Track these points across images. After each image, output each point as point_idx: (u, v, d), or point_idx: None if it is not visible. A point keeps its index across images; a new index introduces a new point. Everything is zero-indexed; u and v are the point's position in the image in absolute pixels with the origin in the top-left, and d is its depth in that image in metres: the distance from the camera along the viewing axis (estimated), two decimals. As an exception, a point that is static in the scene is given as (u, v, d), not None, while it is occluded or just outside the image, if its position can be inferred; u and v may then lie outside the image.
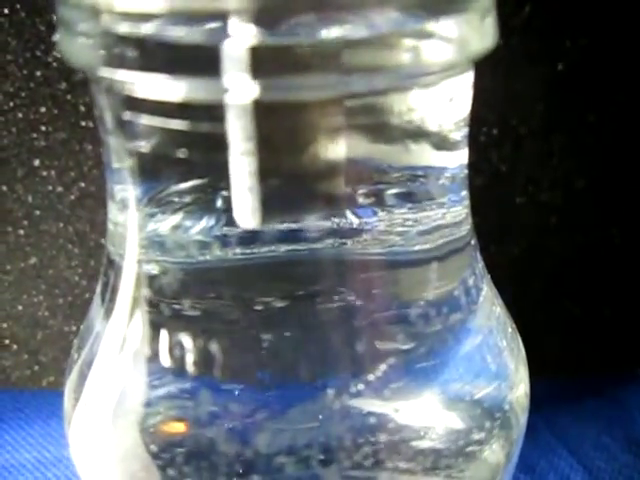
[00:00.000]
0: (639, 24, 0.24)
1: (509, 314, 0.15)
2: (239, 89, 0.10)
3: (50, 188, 0.27)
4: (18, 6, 0.24)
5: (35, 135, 0.26)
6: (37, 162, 0.26)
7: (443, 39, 0.10)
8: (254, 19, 0.09)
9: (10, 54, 0.24)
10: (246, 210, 0.11)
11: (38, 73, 0.25)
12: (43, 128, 0.26)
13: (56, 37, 0.11)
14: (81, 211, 0.27)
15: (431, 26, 0.10)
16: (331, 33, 0.10)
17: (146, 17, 0.09)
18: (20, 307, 0.29)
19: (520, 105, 0.26)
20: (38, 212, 0.27)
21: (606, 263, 0.28)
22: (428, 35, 0.10)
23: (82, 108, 0.25)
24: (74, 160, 0.26)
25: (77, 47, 0.10)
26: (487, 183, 0.26)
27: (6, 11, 0.24)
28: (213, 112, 0.10)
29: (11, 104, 0.25)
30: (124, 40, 0.10)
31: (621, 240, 0.28)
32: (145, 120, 0.11)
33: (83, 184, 0.26)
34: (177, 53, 0.10)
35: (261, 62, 0.09)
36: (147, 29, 0.10)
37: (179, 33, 0.09)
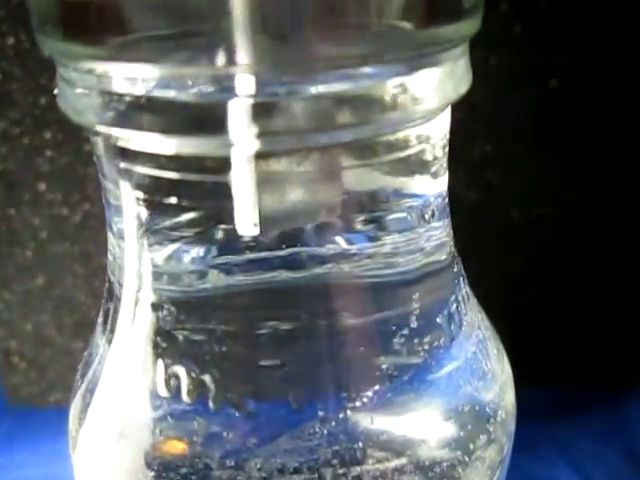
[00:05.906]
0: (630, 40, 0.25)
1: (496, 334, 0.15)
2: (242, 144, 0.10)
3: (56, 210, 0.27)
4: (23, 37, 0.24)
5: (40, 160, 0.26)
6: (43, 186, 0.27)
7: (422, 90, 0.11)
8: (254, 78, 0.10)
9: (15, 82, 0.25)
10: (247, 222, 0.12)
11: (43, 100, 0.25)
12: (48, 153, 0.26)
13: (56, 92, 0.12)
14: (86, 232, 0.27)
15: (410, 79, 0.11)
16: (318, 89, 0.10)
17: (141, 81, 0.10)
18: (28, 326, 0.29)
19: (513, 121, 0.26)
20: (44, 234, 0.28)
21: (603, 276, 0.28)
22: (408, 87, 0.11)
23: (85, 133, 0.25)
24: (78, 183, 0.27)
25: (75, 104, 0.11)
26: (481, 198, 0.27)
27: (11, 41, 0.24)
28: (202, 163, 0.11)
29: (17, 130, 0.26)
30: (119, 100, 0.10)
31: (617, 252, 0.28)
32: (139, 169, 0.11)
33: (87, 206, 0.27)
34: (170, 112, 0.10)
35: (258, 117, 0.10)
36: (141, 90, 0.10)
37: (173, 94, 0.10)
